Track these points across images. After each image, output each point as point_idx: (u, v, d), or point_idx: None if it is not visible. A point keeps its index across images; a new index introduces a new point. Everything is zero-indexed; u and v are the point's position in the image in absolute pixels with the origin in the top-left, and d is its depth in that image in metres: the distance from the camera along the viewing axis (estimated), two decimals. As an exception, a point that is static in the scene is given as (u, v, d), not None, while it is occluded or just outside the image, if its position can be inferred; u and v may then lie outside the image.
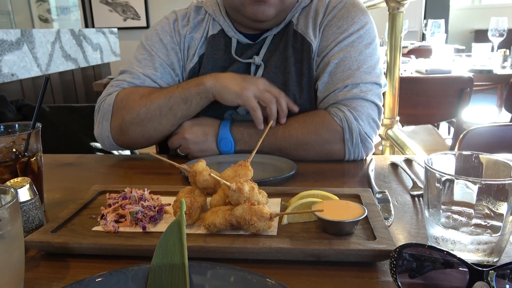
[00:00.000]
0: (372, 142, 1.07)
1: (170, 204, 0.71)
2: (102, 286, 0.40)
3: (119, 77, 1.14)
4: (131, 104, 1.05)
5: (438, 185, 0.58)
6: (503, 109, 3.19)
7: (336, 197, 0.70)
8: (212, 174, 0.62)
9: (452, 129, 3.79)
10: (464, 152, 0.64)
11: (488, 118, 3.35)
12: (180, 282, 0.41)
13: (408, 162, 1.03)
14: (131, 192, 0.71)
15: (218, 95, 1.02)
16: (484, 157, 0.63)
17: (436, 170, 0.58)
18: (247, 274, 0.39)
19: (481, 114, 3.47)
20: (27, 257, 0.61)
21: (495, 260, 0.57)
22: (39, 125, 0.76)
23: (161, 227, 0.66)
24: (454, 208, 0.59)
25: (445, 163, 0.63)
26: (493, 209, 0.56)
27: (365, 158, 1.07)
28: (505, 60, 3.19)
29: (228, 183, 0.62)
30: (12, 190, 0.52)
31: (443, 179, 0.57)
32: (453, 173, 0.60)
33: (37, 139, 0.75)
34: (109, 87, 1.13)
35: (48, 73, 2.96)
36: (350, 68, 1.06)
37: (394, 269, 0.53)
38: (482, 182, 0.55)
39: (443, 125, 4.01)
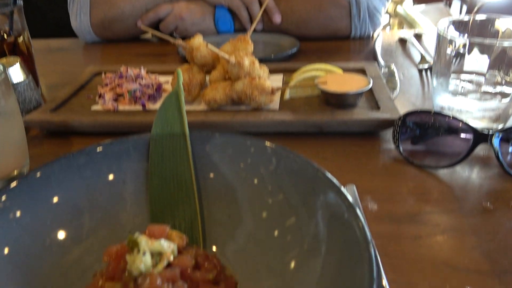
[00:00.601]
0: (381, 16, 1.00)
1: (169, 82, 0.69)
2: (104, 154, 0.40)
3: None
4: (113, 0, 0.98)
5: (449, 50, 0.54)
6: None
7: (340, 70, 0.67)
8: (209, 46, 0.59)
9: (464, 8, 3.57)
10: (479, 17, 0.59)
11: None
12: (182, 150, 0.41)
13: (418, 37, 0.98)
14: (127, 71, 0.68)
15: None
16: (500, 24, 0.58)
17: (449, 34, 0.54)
18: (247, 140, 0.39)
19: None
20: (29, 136, 0.61)
21: (499, 127, 0.56)
22: (20, 1, 0.70)
23: (161, 105, 0.65)
24: (464, 76, 0.56)
25: (459, 29, 0.59)
26: (504, 76, 0.54)
27: (372, 35, 1.02)
28: None
29: (227, 56, 0.59)
30: (0, 66, 0.50)
31: (456, 43, 0.53)
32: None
33: (20, 17, 0.70)
34: None
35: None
36: None
37: (397, 137, 0.53)
38: (498, 44, 0.51)
39: (455, 4, 3.77)
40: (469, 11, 2.43)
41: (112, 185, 0.39)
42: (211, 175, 0.39)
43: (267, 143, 0.37)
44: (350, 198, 0.30)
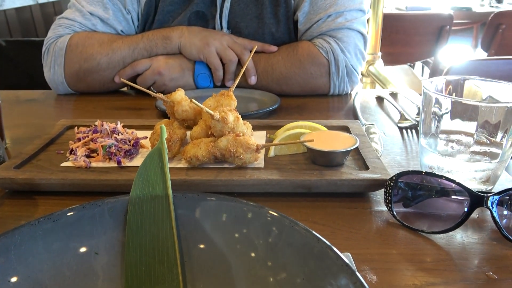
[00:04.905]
0: (358, 75, 1.02)
1: (147, 138, 0.65)
2: (75, 220, 0.35)
3: (68, 14, 1.01)
4: (90, 51, 0.96)
5: (437, 110, 0.54)
6: (477, 49, 3.19)
7: (324, 128, 0.66)
8: (193, 101, 0.56)
9: (426, 71, 3.80)
10: (468, 77, 0.59)
11: (464, 58, 3.35)
12: (164, 214, 0.37)
13: (393, 95, 1.00)
14: (102, 125, 0.64)
15: (183, 49, 0.98)
16: (485, 83, 0.59)
17: (436, 95, 0.54)
18: (243, 205, 0.35)
19: (456, 54, 3.46)
20: (-12, 196, 0.55)
21: (489, 188, 0.55)
22: (-10, 50, 0.66)
23: (138, 161, 0.61)
24: (452, 136, 0.56)
25: (445, 89, 0.59)
26: (492, 136, 0.53)
27: (350, 92, 1.03)
28: (484, -2, 3.14)
29: (211, 112, 0.56)
30: (-38, 119, 0.45)
31: (443, 103, 0.53)
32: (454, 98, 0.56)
33: (-11, 67, 0.66)
34: (57, 27, 1.01)
35: (2, 9, 2.71)
36: None
37: (389, 198, 0.50)
38: (485, 104, 0.51)
39: (417, 66, 4.00)
40: (433, 72, 2.57)
41: (82, 257, 0.34)
42: (198, 246, 0.34)
43: (267, 210, 0.33)
44: (366, 285, 0.26)
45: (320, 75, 0.97)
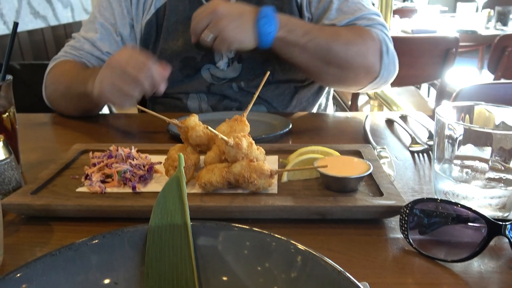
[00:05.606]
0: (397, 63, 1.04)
1: (161, 163, 0.66)
2: (95, 250, 0.35)
3: (68, 42, 1.10)
4: (52, 79, 1.04)
5: (451, 135, 0.54)
6: (483, 71, 3.21)
7: (337, 153, 0.66)
8: (208, 128, 0.57)
9: (432, 91, 3.81)
10: (483, 104, 0.60)
11: (470, 80, 3.36)
12: (183, 244, 0.37)
13: (403, 118, 1.00)
14: (117, 150, 0.65)
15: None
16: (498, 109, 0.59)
17: (450, 121, 0.54)
18: (266, 237, 0.35)
19: (463, 76, 3.47)
20: (5, 221, 0.55)
21: (505, 215, 0.55)
22: (9, 77, 0.68)
23: (152, 187, 0.61)
24: (466, 162, 0.56)
25: (455, 116, 0.60)
26: (507, 162, 0.53)
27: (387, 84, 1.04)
28: (489, 20, 3.17)
29: (225, 138, 0.57)
30: (-17, 146, 0.46)
31: (456, 130, 0.53)
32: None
33: (8, 93, 0.67)
34: (59, 52, 1.09)
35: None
36: (354, 3, 1.02)
37: (405, 226, 0.50)
38: (499, 131, 0.51)
39: (423, 88, 4.01)
40: (440, 94, 2.57)
41: (102, 288, 0.34)
42: (219, 277, 0.34)
43: (290, 242, 0.33)
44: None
45: (374, 52, 0.97)
